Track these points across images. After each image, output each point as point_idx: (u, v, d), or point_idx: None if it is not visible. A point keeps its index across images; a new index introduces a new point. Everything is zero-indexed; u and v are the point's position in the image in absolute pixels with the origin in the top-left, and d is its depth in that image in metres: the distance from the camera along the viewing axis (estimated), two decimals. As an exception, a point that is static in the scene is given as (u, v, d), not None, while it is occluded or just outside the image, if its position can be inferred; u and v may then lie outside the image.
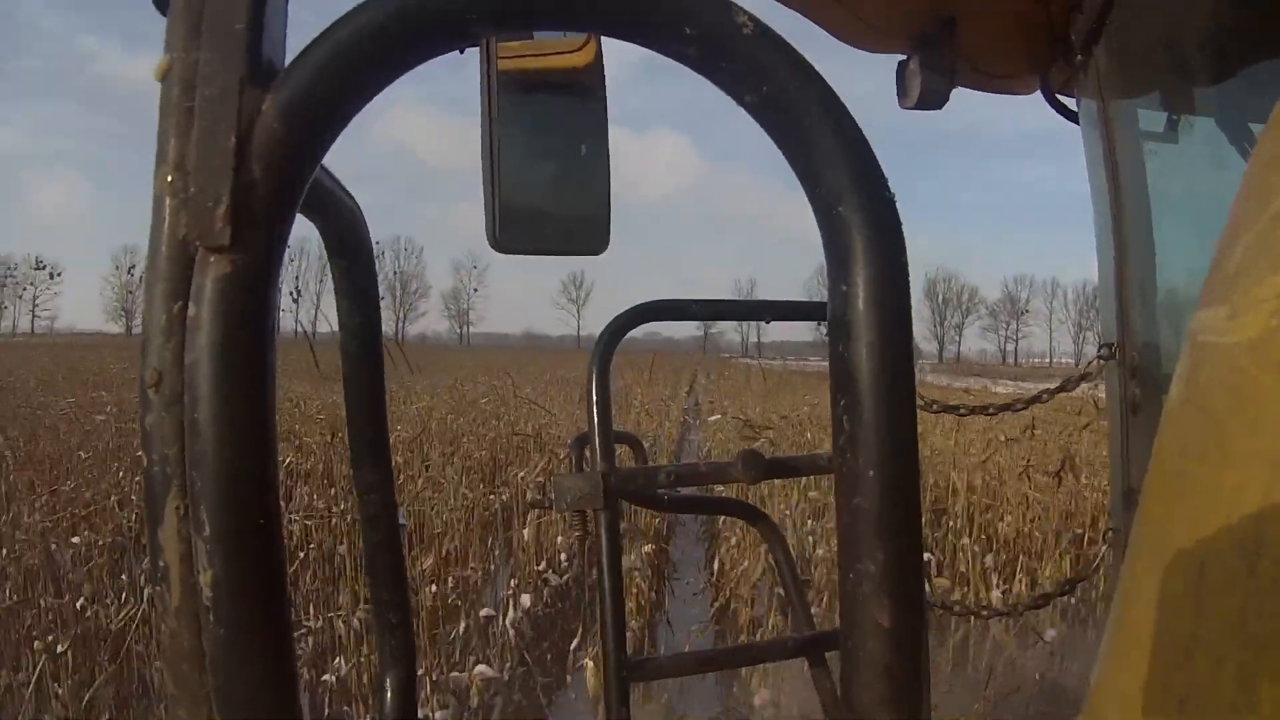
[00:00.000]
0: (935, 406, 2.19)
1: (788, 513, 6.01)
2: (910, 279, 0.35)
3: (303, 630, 4.02)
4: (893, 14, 1.49)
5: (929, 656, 0.35)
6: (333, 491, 6.15)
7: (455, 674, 3.66)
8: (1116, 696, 0.40)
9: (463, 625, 4.25)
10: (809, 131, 0.34)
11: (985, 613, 2.47)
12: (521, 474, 7.19)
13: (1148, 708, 0.38)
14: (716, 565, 5.46)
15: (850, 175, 0.34)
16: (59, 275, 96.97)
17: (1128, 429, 1.58)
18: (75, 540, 4.69)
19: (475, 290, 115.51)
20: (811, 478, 6.37)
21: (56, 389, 13.49)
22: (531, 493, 6.34)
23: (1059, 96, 1.70)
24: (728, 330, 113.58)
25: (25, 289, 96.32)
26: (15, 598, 3.98)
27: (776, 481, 6.21)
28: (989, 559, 5.42)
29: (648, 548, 5.50)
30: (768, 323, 1.04)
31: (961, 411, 2.27)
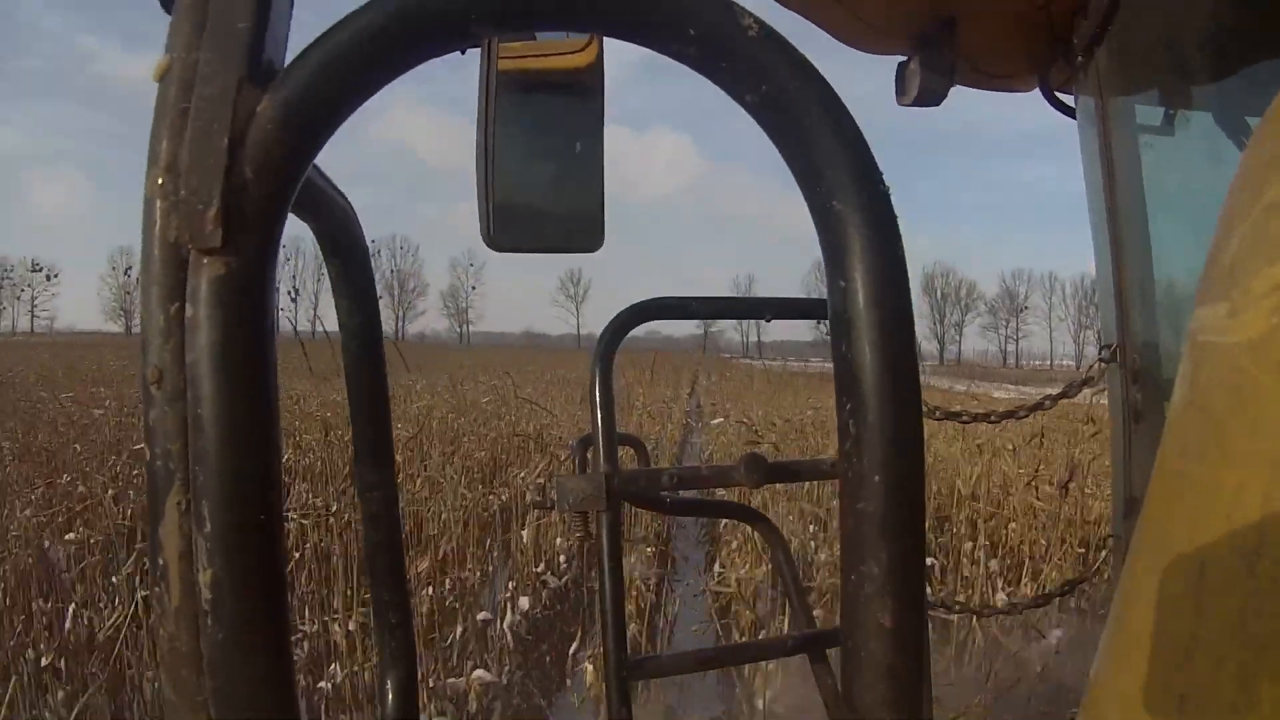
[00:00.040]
0: (938, 414, 2.19)
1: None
2: (909, 274, 0.35)
3: (298, 635, 3.96)
4: (892, 14, 1.50)
5: (930, 657, 0.35)
6: (329, 490, 6.07)
7: (452, 680, 3.62)
8: (1116, 696, 0.40)
9: (460, 629, 4.20)
10: (808, 131, 0.34)
11: (985, 612, 2.47)
12: (521, 474, 7.14)
13: (1148, 707, 0.38)
14: (717, 568, 5.43)
15: (848, 173, 0.34)
16: (56, 277, 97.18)
17: (1129, 434, 1.58)
18: (70, 536, 4.62)
19: (474, 289, 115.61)
20: (805, 490, 6.38)
21: (56, 385, 13.48)
22: (531, 494, 6.32)
23: (1058, 94, 1.70)
24: (728, 330, 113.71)
25: (23, 290, 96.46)
26: (8, 601, 3.92)
27: (773, 492, 6.21)
28: (994, 564, 5.39)
29: (648, 549, 5.47)
30: (768, 320, 1.04)
31: (964, 419, 2.27)
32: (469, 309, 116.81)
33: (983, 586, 5.13)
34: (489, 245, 0.94)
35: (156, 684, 3.35)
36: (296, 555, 4.78)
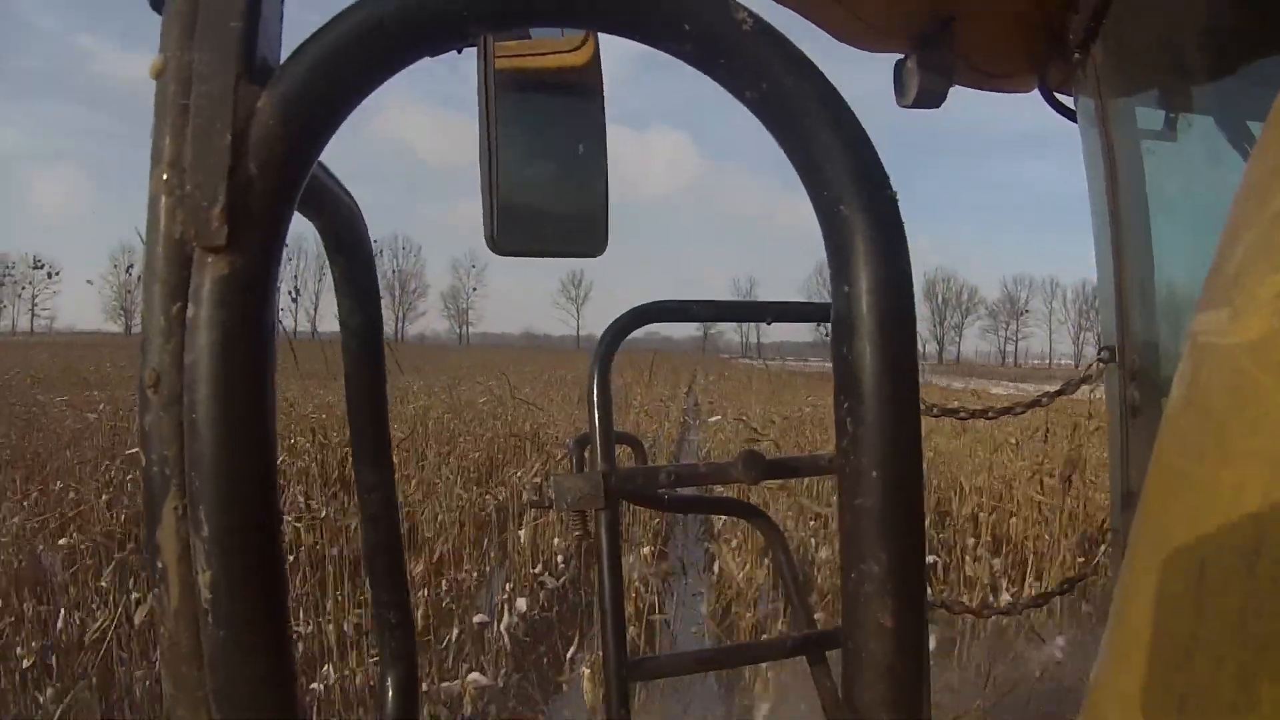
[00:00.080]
0: (935, 411, 2.19)
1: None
2: (913, 279, 0.35)
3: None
4: (891, 13, 1.49)
5: (929, 656, 0.35)
6: (322, 493, 6.02)
7: (446, 684, 3.55)
8: (1116, 696, 0.40)
9: (455, 632, 4.13)
10: (809, 129, 0.34)
11: (985, 611, 2.47)
12: (518, 473, 7.07)
13: (1148, 708, 0.38)
14: (717, 568, 5.39)
15: (852, 174, 0.34)
16: (57, 274, 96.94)
17: (1127, 431, 1.58)
18: (62, 542, 4.56)
19: (474, 290, 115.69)
20: (805, 486, 6.36)
21: (53, 387, 13.42)
22: (528, 494, 6.28)
23: (1057, 95, 1.70)
24: (727, 330, 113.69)
25: (24, 288, 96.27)
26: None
27: (771, 487, 6.19)
28: (996, 562, 5.35)
29: (646, 550, 5.42)
30: (769, 323, 1.04)
31: (961, 415, 2.27)
32: (469, 310, 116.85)
33: (986, 586, 5.07)
34: (493, 249, 0.93)
35: (147, 683, 3.33)
36: (291, 558, 4.75)
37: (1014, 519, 6.00)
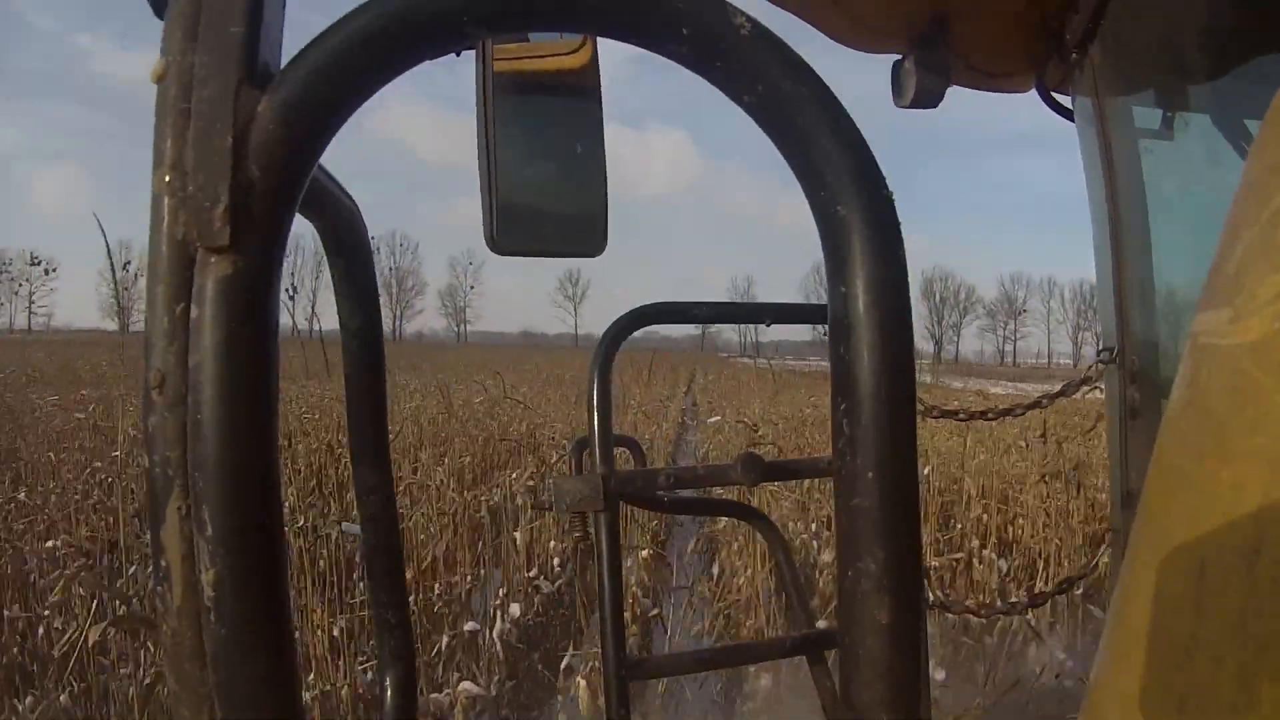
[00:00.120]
0: (935, 412, 2.18)
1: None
2: (910, 280, 0.35)
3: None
4: (888, 14, 1.49)
5: (928, 655, 0.35)
6: (317, 495, 5.91)
7: (436, 695, 3.42)
8: (1116, 696, 0.40)
9: (445, 640, 4.03)
10: (807, 131, 0.34)
11: (984, 611, 2.47)
12: (514, 474, 6.95)
13: (1148, 708, 0.38)
14: (716, 570, 5.32)
15: (849, 176, 0.34)
16: (54, 271, 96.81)
17: (1127, 432, 1.58)
18: (50, 544, 4.47)
19: (472, 288, 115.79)
20: (805, 488, 6.33)
21: (48, 385, 13.33)
22: (522, 495, 6.22)
23: (1054, 94, 1.70)
24: (725, 329, 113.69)
25: (21, 285, 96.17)
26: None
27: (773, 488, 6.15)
28: (1003, 563, 5.29)
29: (645, 553, 5.34)
30: (768, 325, 1.05)
31: (961, 417, 2.27)
32: (467, 308, 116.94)
33: (993, 589, 5.01)
34: (492, 249, 0.94)
35: (130, 691, 3.25)
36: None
37: (1019, 520, 5.94)
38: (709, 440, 10.12)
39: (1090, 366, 1.75)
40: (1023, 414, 2.14)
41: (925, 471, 6.44)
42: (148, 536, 0.32)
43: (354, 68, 0.31)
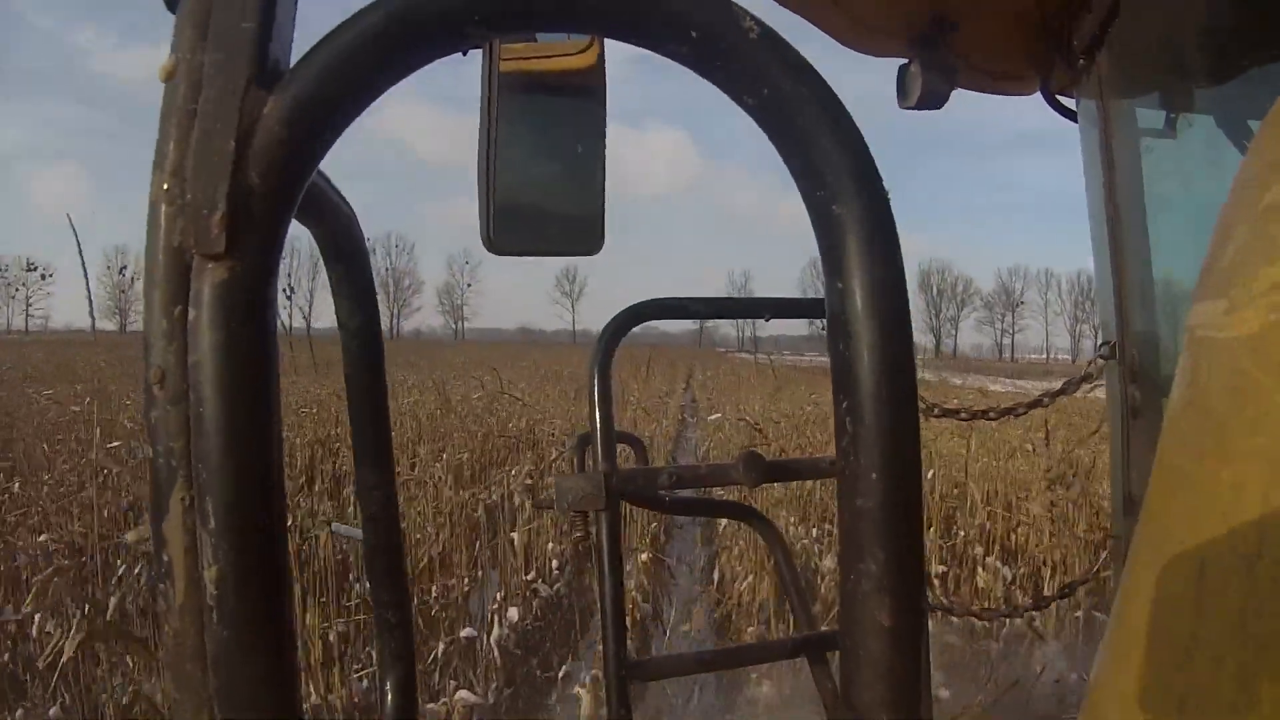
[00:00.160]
0: (936, 411, 2.18)
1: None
2: (906, 275, 0.35)
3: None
4: (892, 16, 1.49)
5: (930, 656, 0.35)
6: (306, 494, 5.81)
7: (431, 705, 3.32)
8: (1116, 696, 0.40)
9: (441, 646, 3.93)
10: (807, 133, 0.34)
11: (986, 614, 2.47)
12: (512, 471, 6.85)
13: (1148, 708, 0.38)
14: (717, 575, 5.24)
15: (848, 175, 0.34)
16: (50, 276, 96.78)
17: (1128, 431, 1.58)
18: (42, 538, 4.39)
19: (469, 286, 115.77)
20: (806, 491, 6.29)
21: (44, 383, 13.27)
22: (519, 494, 6.15)
23: (1059, 97, 1.70)
24: (723, 324, 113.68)
25: (18, 290, 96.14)
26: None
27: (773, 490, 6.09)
28: (1007, 571, 5.21)
29: (644, 556, 5.25)
30: (767, 320, 1.05)
31: (962, 416, 2.26)
32: (464, 306, 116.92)
33: (999, 599, 4.92)
34: (489, 248, 0.94)
35: (122, 699, 3.17)
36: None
37: (1022, 527, 5.85)
38: (709, 438, 10.08)
39: (1090, 362, 1.75)
40: (1024, 413, 2.14)
41: (929, 475, 6.38)
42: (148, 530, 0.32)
43: (362, 68, 0.31)
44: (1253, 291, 0.36)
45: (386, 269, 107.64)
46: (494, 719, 3.67)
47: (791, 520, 5.94)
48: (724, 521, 5.63)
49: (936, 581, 5.00)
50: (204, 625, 0.30)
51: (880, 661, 0.33)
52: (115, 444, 6.09)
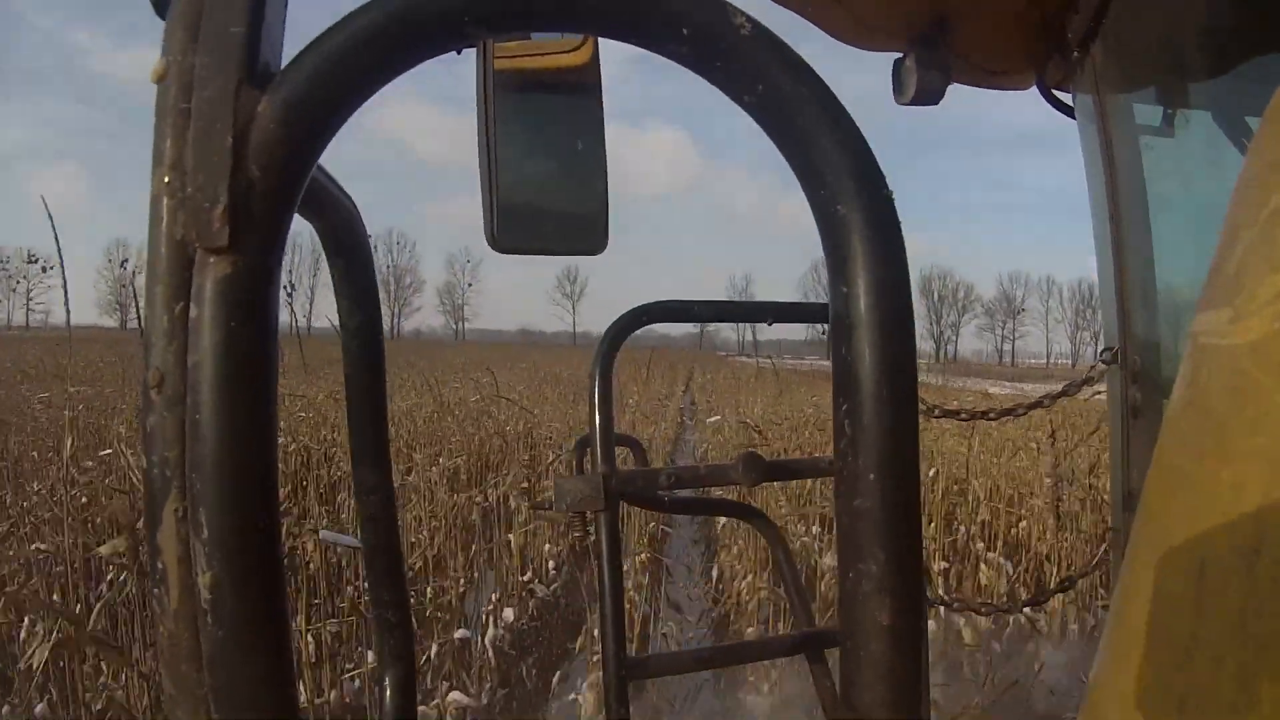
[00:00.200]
0: (937, 412, 2.19)
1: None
2: (910, 280, 0.35)
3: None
4: (889, 12, 1.49)
5: (929, 656, 0.35)
6: (293, 501, 5.72)
7: (423, 708, 3.24)
8: (1116, 696, 0.40)
9: (435, 646, 3.84)
10: (807, 131, 0.34)
11: (985, 609, 2.47)
12: (509, 474, 6.78)
13: (1148, 708, 0.38)
14: (715, 574, 5.21)
15: (849, 175, 0.34)
16: (51, 268, 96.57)
17: (1128, 433, 1.58)
18: (36, 546, 4.18)
19: (470, 286, 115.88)
20: (806, 490, 6.27)
21: (40, 382, 13.18)
22: (514, 497, 6.11)
23: (1055, 92, 1.70)
24: (723, 327, 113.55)
25: (18, 283, 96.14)
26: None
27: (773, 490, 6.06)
28: (1009, 566, 5.18)
29: (642, 556, 5.20)
30: (770, 324, 1.04)
31: (963, 417, 2.27)
32: (465, 306, 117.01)
33: (1002, 596, 4.87)
34: (493, 247, 0.94)
35: (102, 697, 3.12)
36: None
37: (1023, 523, 5.82)
38: (708, 440, 10.06)
39: (1091, 367, 1.75)
40: (1025, 414, 2.14)
41: (931, 474, 6.38)
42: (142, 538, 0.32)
43: (354, 68, 0.31)
44: (1258, 299, 0.36)
45: (388, 266, 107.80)
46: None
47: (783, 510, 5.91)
48: (721, 525, 5.63)
49: (939, 579, 4.98)
50: (199, 628, 0.30)
51: (880, 662, 0.33)
52: (107, 451, 6.00)
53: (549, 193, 1.00)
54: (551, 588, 5.01)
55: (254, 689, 0.30)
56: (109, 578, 3.95)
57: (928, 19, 1.49)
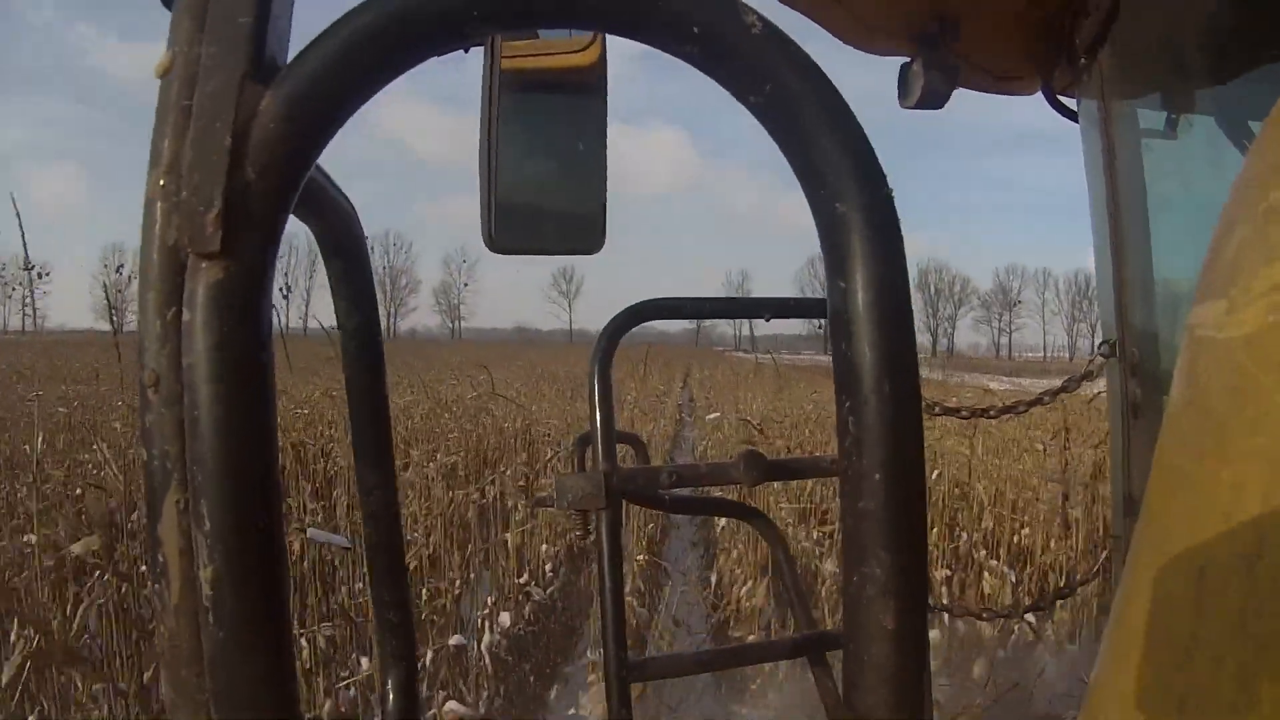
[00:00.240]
0: (937, 409, 2.18)
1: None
2: (909, 276, 0.35)
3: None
4: (894, 15, 1.49)
5: (930, 659, 0.35)
6: (306, 492, 5.63)
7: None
8: (1116, 696, 0.40)
9: (429, 654, 3.72)
10: (811, 131, 0.34)
11: (986, 614, 2.47)
12: (507, 471, 6.70)
13: (1148, 708, 0.38)
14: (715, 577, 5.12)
15: (850, 174, 0.34)
16: (47, 275, 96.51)
17: (1128, 430, 1.58)
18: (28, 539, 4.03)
19: (466, 285, 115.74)
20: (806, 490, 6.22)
21: (34, 383, 13.12)
22: (511, 496, 6.05)
23: (1060, 97, 1.70)
24: (720, 323, 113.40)
25: (14, 289, 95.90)
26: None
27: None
28: (1011, 574, 5.10)
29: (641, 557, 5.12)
30: (767, 320, 1.04)
31: (963, 414, 2.27)
32: (461, 305, 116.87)
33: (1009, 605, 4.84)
34: (490, 247, 0.94)
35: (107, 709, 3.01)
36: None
37: (1025, 530, 5.74)
38: (708, 437, 10.02)
39: (1090, 360, 1.75)
40: (1025, 411, 2.14)
41: (934, 476, 6.32)
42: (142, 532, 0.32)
43: (360, 64, 0.31)
44: (1252, 292, 0.36)
45: (384, 267, 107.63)
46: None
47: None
48: (721, 526, 5.60)
49: (943, 587, 4.94)
50: (200, 626, 0.30)
51: (883, 664, 0.33)
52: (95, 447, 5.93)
53: (548, 193, 1.00)
54: (549, 590, 4.91)
55: (254, 688, 0.30)
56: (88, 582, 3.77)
57: (930, 21, 1.49)
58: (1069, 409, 7.20)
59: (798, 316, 1.06)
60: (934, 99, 1.55)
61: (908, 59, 1.58)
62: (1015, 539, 5.73)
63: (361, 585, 3.99)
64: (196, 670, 0.30)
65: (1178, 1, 1.46)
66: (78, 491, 4.98)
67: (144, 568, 3.77)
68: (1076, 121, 1.68)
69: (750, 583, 4.70)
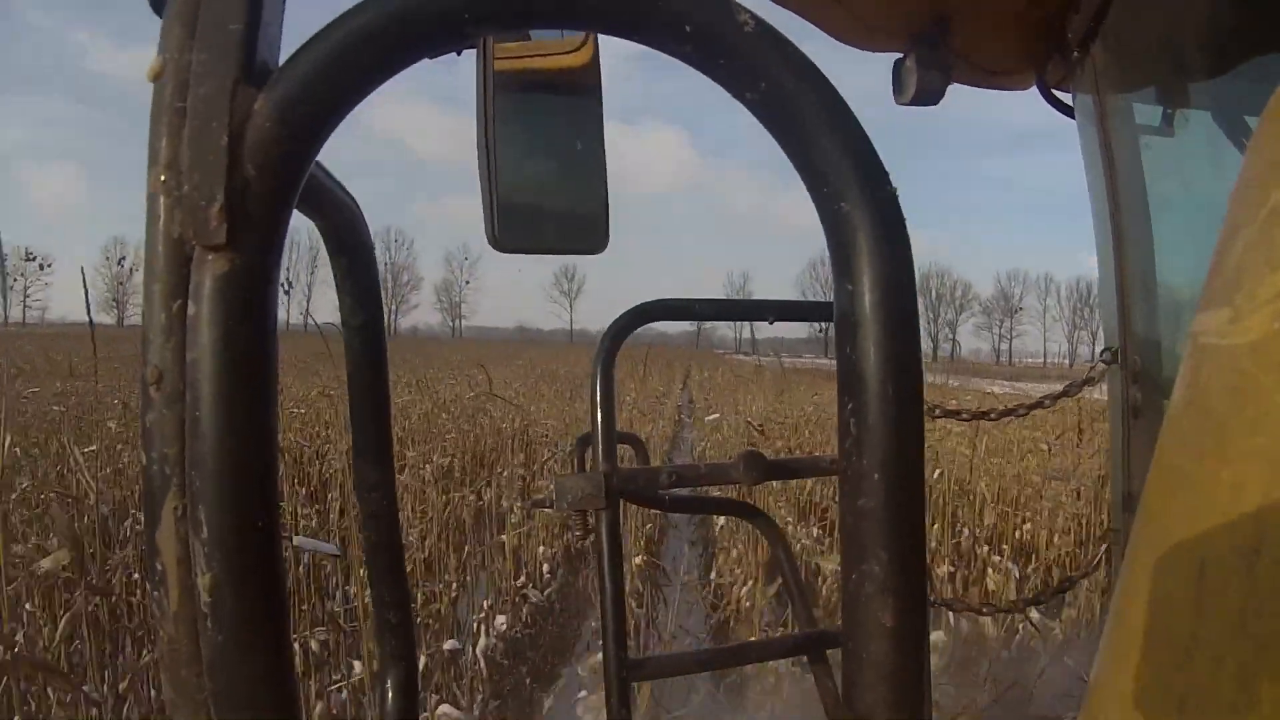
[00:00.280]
0: (938, 411, 2.19)
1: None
2: (915, 277, 0.35)
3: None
4: (889, 13, 1.49)
5: (930, 657, 0.35)
6: (300, 495, 5.62)
7: None
8: (1116, 696, 0.40)
9: (424, 659, 3.70)
10: (810, 129, 0.34)
11: (986, 610, 2.47)
12: (504, 473, 6.71)
13: (1148, 708, 0.38)
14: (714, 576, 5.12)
15: (852, 173, 0.34)
16: (49, 266, 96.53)
17: (1129, 432, 1.58)
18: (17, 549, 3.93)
19: (467, 283, 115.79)
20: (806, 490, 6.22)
21: (34, 379, 13.10)
22: (508, 498, 6.03)
23: (1055, 92, 1.70)
24: (720, 325, 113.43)
25: (16, 280, 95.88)
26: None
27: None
28: (1015, 570, 5.06)
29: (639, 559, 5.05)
30: (771, 323, 1.04)
31: (964, 417, 2.28)
32: (462, 303, 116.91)
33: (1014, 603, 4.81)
34: (494, 246, 0.94)
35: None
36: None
37: (1027, 525, 5.74)
38: (707, 438, 10.02)
39: (1092, 367, 1.75)
40: (1026, 414, 2.14)
41: (935, 475, 6.33)
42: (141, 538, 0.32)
43: (352, 66, 0.31)
44: (1257, 299, 0.36)
45: (386, 264, 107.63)
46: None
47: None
48: (720, 525, 5.59)
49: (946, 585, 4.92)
50: (199, 631, 0.30)
51: (883, 663, 0.33)
52: (91, 448, 5.89)
53: (549, 193, 1.00)
54: (546, 593, 4.89)
55: (254, 690, 0.30)
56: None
57: (927, 19, 1.50)
58: (1083, 412, 7.19)
59: (802, 319, 1.06)
60: (929, 95, 1.55)
61: (901, 55, 1.58)
62: (1018, 534, 5.73)
63: (354, 591, 3.96)
64: (196, 670, 0.30)
65: None
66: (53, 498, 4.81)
67: (122, 580, 3.78)
68: (1073, 117, 1.68)
69: (750, 584, 4.65)
